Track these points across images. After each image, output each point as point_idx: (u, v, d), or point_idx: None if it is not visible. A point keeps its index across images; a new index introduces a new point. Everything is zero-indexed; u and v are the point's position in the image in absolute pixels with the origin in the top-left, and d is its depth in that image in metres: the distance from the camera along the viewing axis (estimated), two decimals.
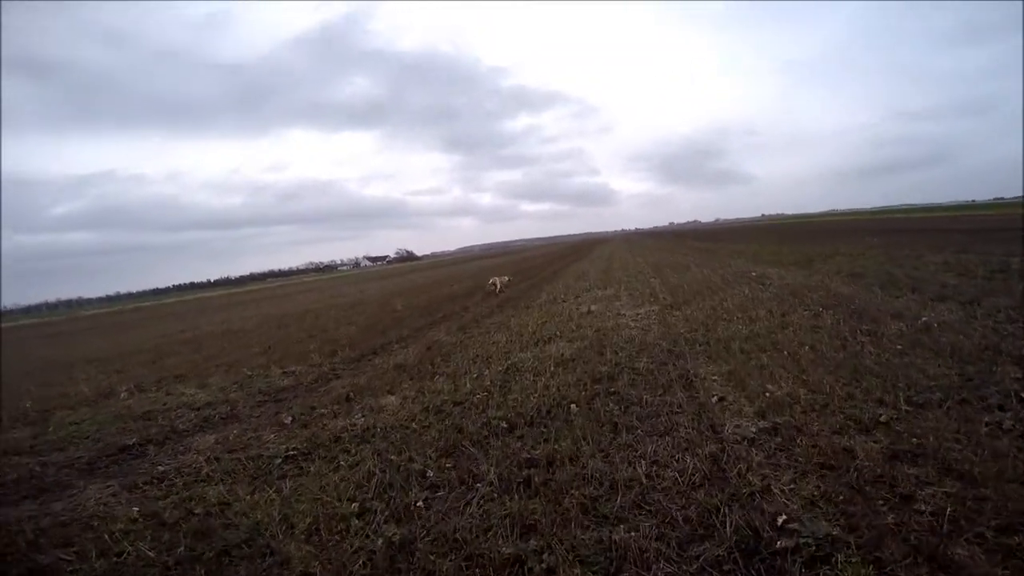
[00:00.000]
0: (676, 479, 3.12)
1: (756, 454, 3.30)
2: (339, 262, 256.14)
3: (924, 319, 6.17)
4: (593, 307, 10.27)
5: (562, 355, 6.71)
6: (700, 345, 6.50)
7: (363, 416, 5.16)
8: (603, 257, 29.79)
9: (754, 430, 3.66)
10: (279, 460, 4.24)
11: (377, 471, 3.70)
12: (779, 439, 3.47)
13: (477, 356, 7.53)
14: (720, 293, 10.24)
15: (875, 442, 3.26)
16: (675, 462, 3.34)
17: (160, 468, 4.45)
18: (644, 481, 3.14)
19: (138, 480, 4.24)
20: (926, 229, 27.46)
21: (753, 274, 12.44)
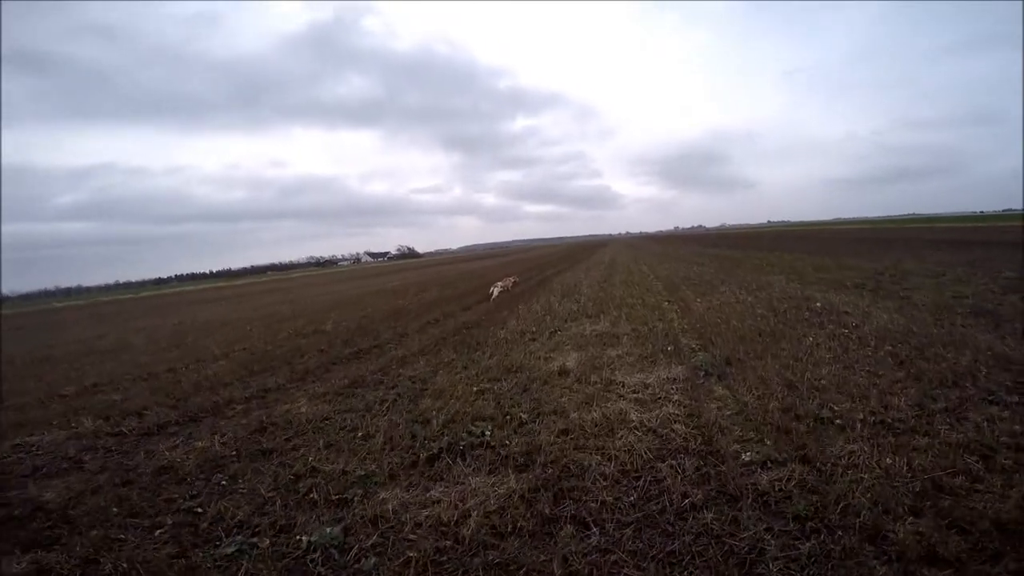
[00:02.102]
0: None
1: None
2: (340, 257, 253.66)
3: None
4: (571, 358, 6.57)
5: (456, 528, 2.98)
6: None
7: None
8: (602, 264, 25.97)
9: None
10: None
11: None
12: None
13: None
14: (783, 341, 6.50)
15: None
16: None
17: None
18: None
19: None
20: (966, 241, 23.53)
21: (817, 304, 8.64)
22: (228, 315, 19.66)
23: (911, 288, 9.87)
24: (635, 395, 4.97)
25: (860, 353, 5.67)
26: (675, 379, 5.35)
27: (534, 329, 8.57)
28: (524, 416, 4.61)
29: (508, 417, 4.62)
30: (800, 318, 7.76)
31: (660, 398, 4.84)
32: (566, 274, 20.77)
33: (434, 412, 4.95)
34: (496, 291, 13.99)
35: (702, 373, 5.48)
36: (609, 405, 4.70)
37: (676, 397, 4.82)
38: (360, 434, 4.64)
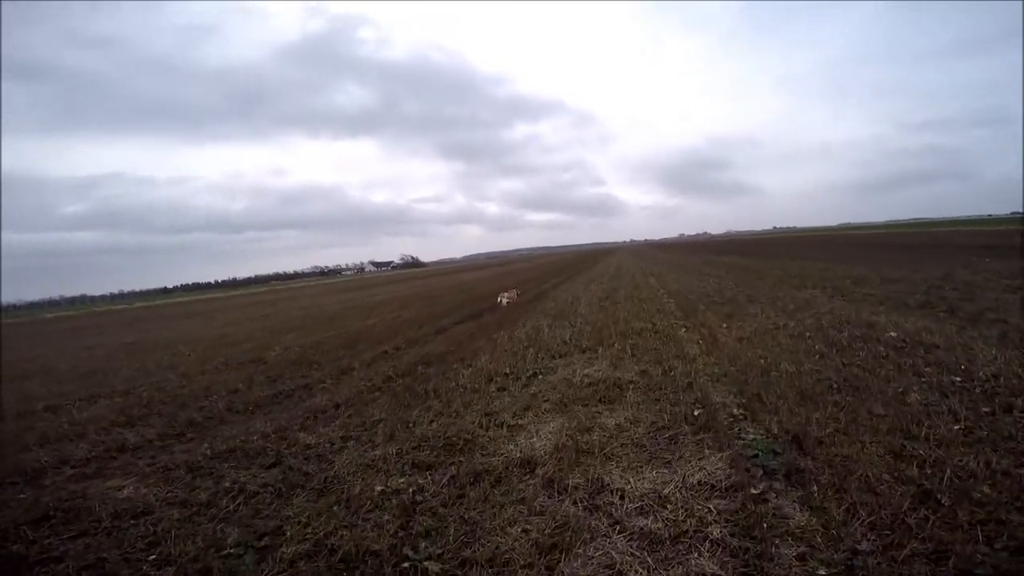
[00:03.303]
0: None
1: None
2: (344, 267, 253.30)
3: None
4: (546, 430, 4.45)
5: None
6: None
7: None
8: (606, 275, 23.78)
9: None
10: None
11: None
12: None
13: None
14: (871, 400, 4.34)
15: None
16: None
17: None
18: None
19: None
20: (1004, 246, 21.18)
21: (891, 334, 6.44)
22: (187, 334, 17.63)
23: (994, 308, 7.67)
24: (642, 523, 2.84)
25: (1006, 422, 3.50)
26: (713, 484, 3.21)
27: (507, 371, 6.42)
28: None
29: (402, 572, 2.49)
30: (876, 356, 5.59)
31: (688, 535, 2.70)
32: (564, 287, 18.62)
33: (291, 530, 2.85)
34: (504, 300, 13.69)
35: (759, 471, 3.32)
36: (592, 551, 2.56)
37: (717, 532, 2.69)
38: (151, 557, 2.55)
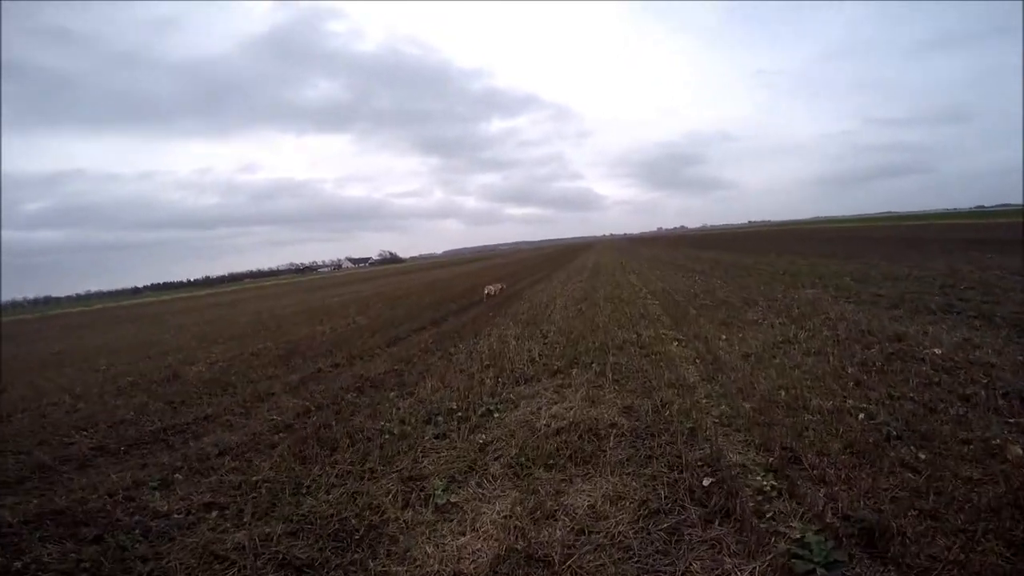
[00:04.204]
0: None
1: None
2: (321, 263, 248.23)
3: None
4: (489, 522, 3.02)
5: None
6: None
7: None
8: (584, 271, 22.46)
9: None
10: None
11: None
12: None
13: None
14: (949, 455, 2.96)
15: None
16: None
17: None
18: None
19: None
20: (993, 240, 20.54)
21: (936, 351, 5.18)
22: (120, 341, 15.75)
23: None
24: None
25: None
26: None
27: (454, 404, 4.98)
28: None
29: None
30: (926, 382, 4.36)
31: None
32: (540, 287, 17.24)
33: None
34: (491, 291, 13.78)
35: None
36: None
37: None
38: None
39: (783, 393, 4.46)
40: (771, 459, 3.35)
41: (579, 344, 6.87)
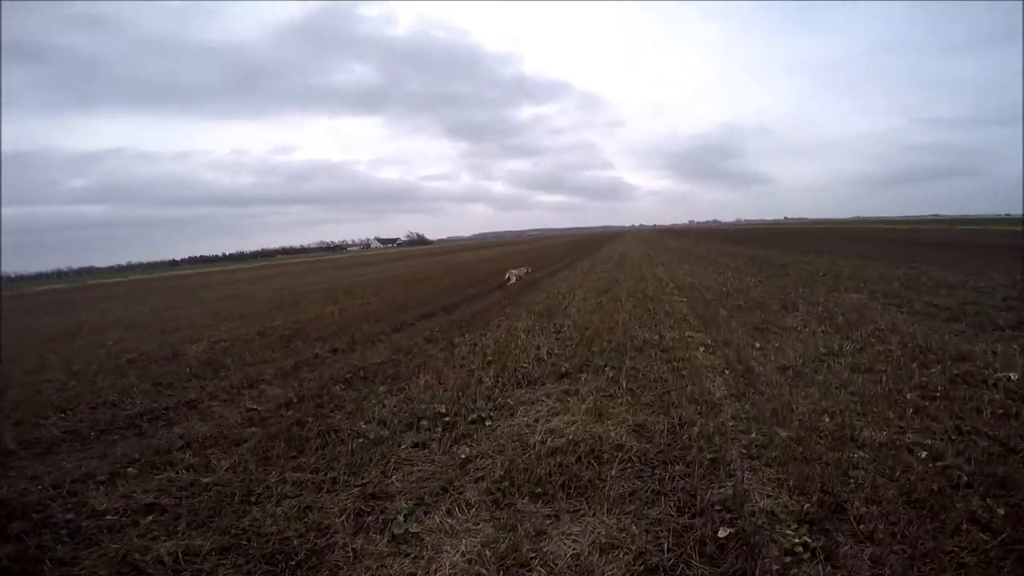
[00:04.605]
0: None
1: None
2: (349, 242, 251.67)
3: None
4: (463, 549, 2.55)
5: None
6: None
7: None
8: (609, 262, 21.60)
9: None
10: None
11: None
12: None
13: None
14: None
15: None
16: None
17: None
18: None
19: None
20: None
21: (1011, 375, 4.40)
22: (138, 316, 15.81)
23: None
24: None
25: None
26: None
27: (443, 408, 4.42)
28: None
29: None
30: (1001, 414, 3.65)
31: None
32: (561, 275, 16.56)
33: None
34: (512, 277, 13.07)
35: None
36: None
37: None
38: None
39: (827, 419, 3.77)
40: (807, 506, 2.71)
41: (593, 343, 6.24)
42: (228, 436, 4.31)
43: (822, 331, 6.20)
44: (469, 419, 4.18)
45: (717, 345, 5.81)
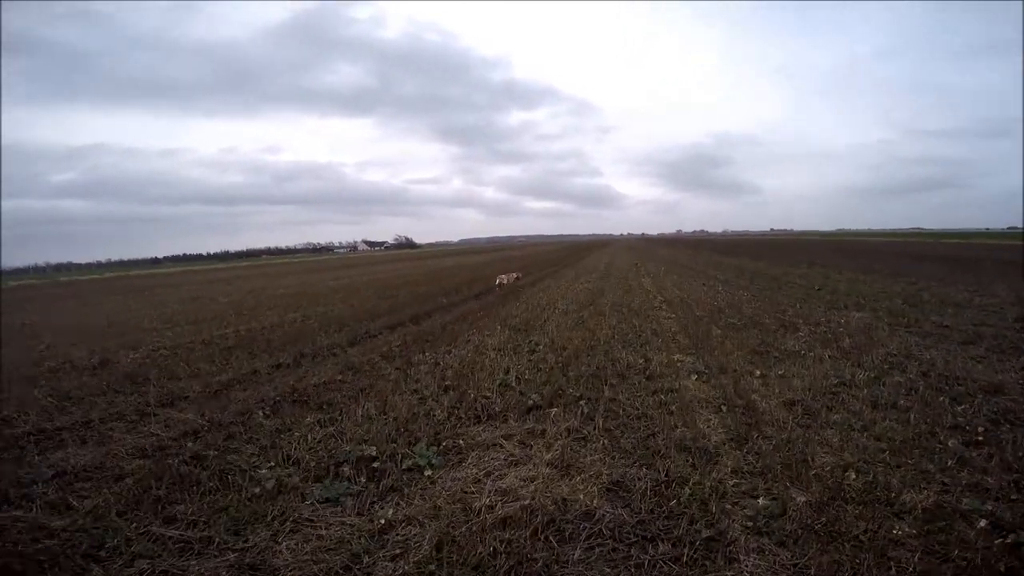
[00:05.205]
0: None
1: None
2: (337, 244, 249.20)
3: None
4: None
5: None
6: None
7: None
8: (595, 272, 20.88)
9: None
10: None
11: None
12: None
13: None
14: None
15: None
16: None
17: None
18: None
19: None
20: None
21: None
22: (91, 316, 14.71)
23: None
24: None
25: None
26: None
27: (374, 449, 3.55)
28: None
29: None
30: None
31: None
32: (545, 284, 15.77)
33: None
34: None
35: None
36: None
37: None
38: None
39: (852, 476, 2.99)
40: None
41: (570, 367, 5.42)
42: (109, 468, 3.47)
43: (829, 356, 5.45)
44: (404, 466, 3.33)
45: (711, 372, 5.01)
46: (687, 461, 3.26)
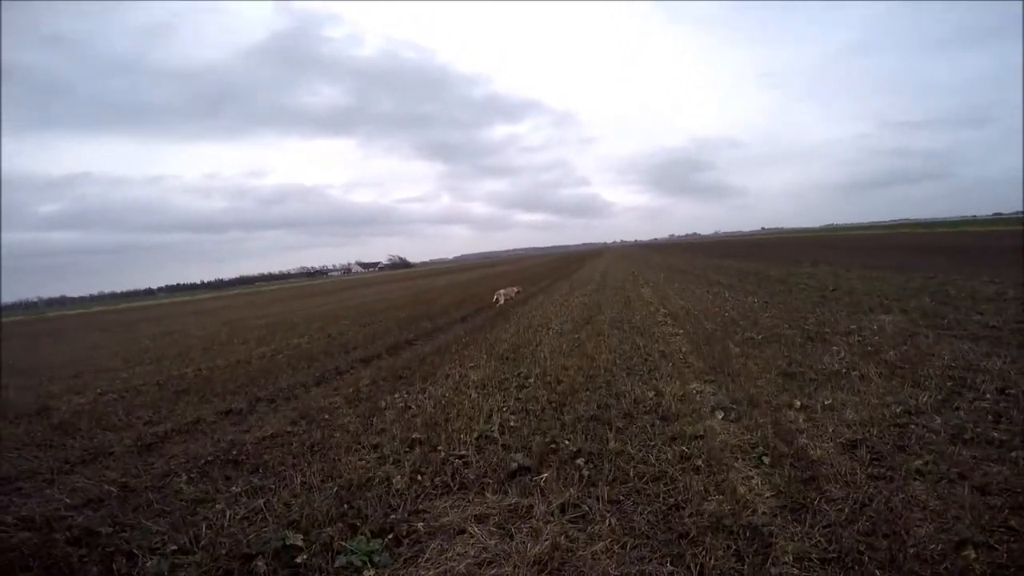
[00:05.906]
0: None
1: None
2: (331, 267, 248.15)
3: None
4: None
5: None
6: None
7: None
8: (590, 284, 19.98)
9: None
10: None
11: None
12: None
13: None
14: None
15: None
16: None
17: None
18: None
19: None
20: None
21: None
22: (61, 353, 13.68)
23: None
24: None
25: None
26: None
27: (301, 540, 2.58)
28: None
29: None
30: None
31: None
32: (537, 300, 14.85)
33: None
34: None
35: None
36: None
37: None
38: None
39: (971, 554, 2.06)
40: None
41: (566, 406, 4.47)
42: None
43: (877, 375, 4.53)
44: (336, 564, 2.37)
45: (739, 406, 4.07)
46: (728, 547, 2.33)
